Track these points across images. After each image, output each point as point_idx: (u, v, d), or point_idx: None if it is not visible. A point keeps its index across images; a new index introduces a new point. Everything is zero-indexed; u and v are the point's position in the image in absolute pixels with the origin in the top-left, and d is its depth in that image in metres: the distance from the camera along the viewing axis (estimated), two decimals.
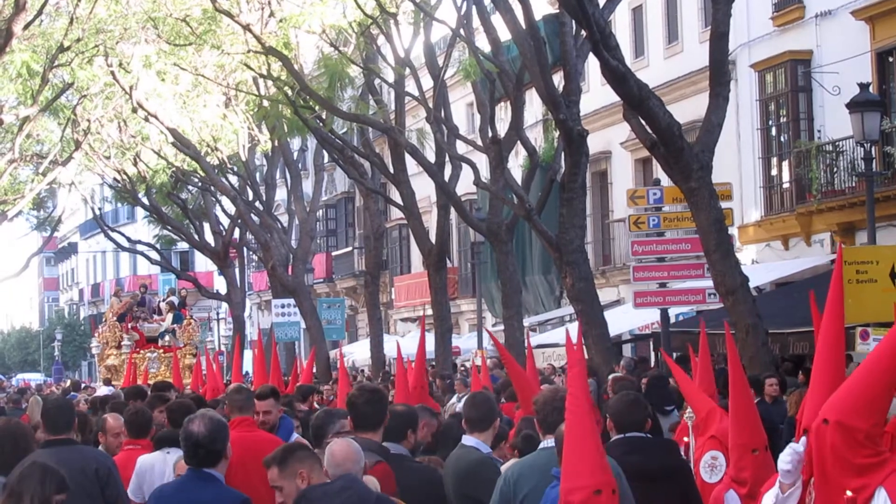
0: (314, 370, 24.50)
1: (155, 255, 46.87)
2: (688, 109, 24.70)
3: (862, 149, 18.54)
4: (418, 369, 11.92)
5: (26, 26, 22.06)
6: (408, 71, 25.90)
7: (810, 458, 5.11)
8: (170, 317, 34.02)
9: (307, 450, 6.12)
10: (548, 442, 6.58)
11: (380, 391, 7.69)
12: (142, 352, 32.81)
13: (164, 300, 35.91)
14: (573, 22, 17.98)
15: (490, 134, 23.18)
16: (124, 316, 34.18)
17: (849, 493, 4.80)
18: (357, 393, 7.47)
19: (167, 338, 33.58)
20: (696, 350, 10.13)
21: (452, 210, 26.22)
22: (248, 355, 45.11)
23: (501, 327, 25.93)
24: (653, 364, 23.13)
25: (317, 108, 26.03)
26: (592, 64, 22.05)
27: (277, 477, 5.85)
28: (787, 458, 5.34)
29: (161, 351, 33.03)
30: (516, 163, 30.59)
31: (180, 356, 29.62)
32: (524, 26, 18.29)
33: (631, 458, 6.84)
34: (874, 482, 4.78)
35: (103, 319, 37.11)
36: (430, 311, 37.73)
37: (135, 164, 38.42)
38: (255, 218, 35.88)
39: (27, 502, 5.47)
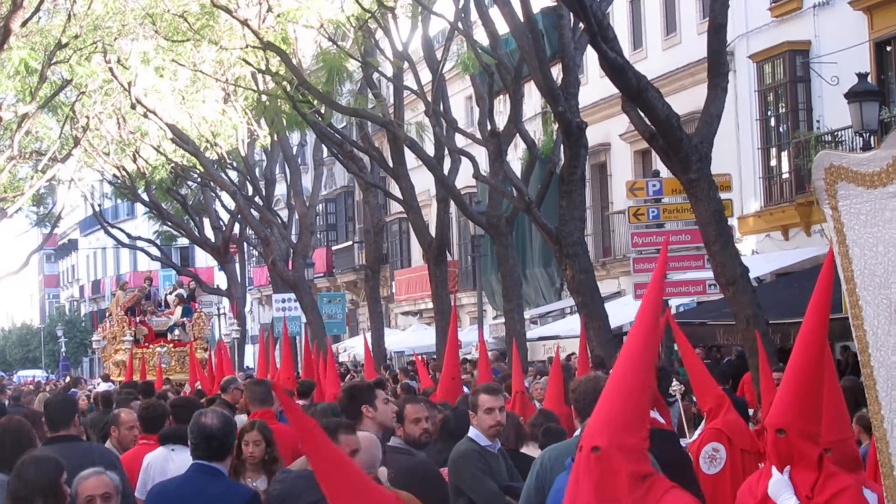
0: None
1: (155, 252, 46.92)
2: (686, 101, 24.69)
3: (861, 139, 18.55)
4: (450, 362, 11.79)
5: (24, 23, 22.06)
6: (406, 65, 25.90)
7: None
8: (179, 310, 33.51)
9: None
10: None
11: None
12: (151, 346, 32.30)
13: (170, 293, 35.47)
14: (571, 14, 17.98)
15: (489, 127, 23.17)
16: (133, 310, 33.67)
17: None
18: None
19: (177, 332, 33.02)
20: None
21: (452, 203, 26.23)
22: (248, 350, 45.24)
23: (502, 320, 25.95)
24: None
25: (315, 102, 26.02)
26: (591, 56, 22.04)
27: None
28: None
29: (171, 345, 32.56)
30: (515, 156, 30.58)
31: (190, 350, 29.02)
32: (522, 19, 18.29)
33: None
34: None
35: (108, 314, 36.77)
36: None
37: (134, 161, 38.43)
38: (254, 213, 35.87)
39: (40, 501, 5.48)
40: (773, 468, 5.03)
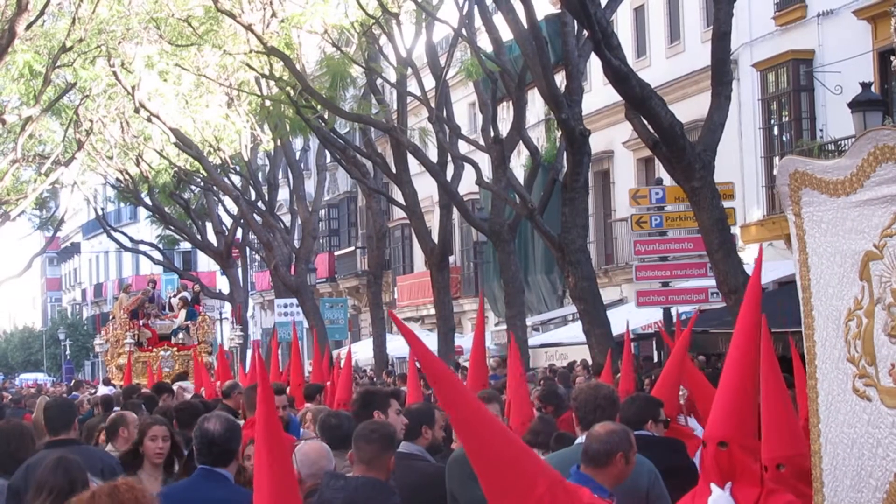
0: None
1: (158, 255, 46.93)
2: (690, 109, 24.69)
3: None
4: (475, 366, 11.66)
5: (28, 26, 22.09)
6: (410, 71, 25.90)
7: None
8: (182, 313, 33.33)
9: None
10: (583, 438, 6.63)
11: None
12: (154, 350, 32.10)
13: (174, 296, 35.28)
14: (575, 21, 17.99)
15: (492, 133, 23.18)
16: (136, 313, 33.47)
17: None
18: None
19: (181, 335, 32.82)
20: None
21: (455, 210, 26.22)
22: (250, 355, 45.15)
23: (504, 327, 25.94)
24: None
25: (319, 107, 26.04)
26: (594, 63, 22.03)
27: None
28: None
29: (175, 349, 32.35)
30: (518, 162, 30.58)
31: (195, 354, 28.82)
32: (526, 26, 18.29)
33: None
34: None
35: (111, 317, 36.65)
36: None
37: (137, 165, 38.46)
38: (257, 218, 35.89)
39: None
40: (713, 485, 4.82)
